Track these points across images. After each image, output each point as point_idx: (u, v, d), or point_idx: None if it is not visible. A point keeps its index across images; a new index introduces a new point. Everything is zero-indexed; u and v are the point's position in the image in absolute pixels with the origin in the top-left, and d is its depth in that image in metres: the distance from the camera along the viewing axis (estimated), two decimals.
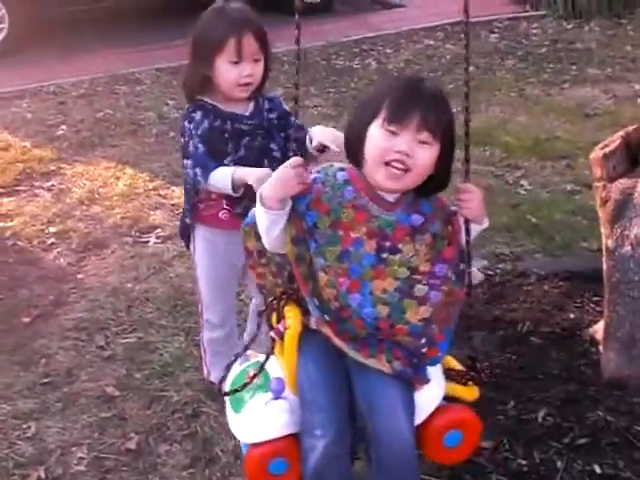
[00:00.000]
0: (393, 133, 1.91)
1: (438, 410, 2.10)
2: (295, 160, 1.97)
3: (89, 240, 4.34)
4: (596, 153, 2.87)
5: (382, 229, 1.99)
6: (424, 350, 2.05)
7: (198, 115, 2.63)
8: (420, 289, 2.01)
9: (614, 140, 2.85)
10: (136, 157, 5.35)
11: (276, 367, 2.13)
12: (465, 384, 2.15)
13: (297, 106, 2.18)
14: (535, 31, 8.40)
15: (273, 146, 2.71)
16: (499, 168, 5.12)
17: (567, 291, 3.54)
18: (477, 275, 3.72)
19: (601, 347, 3.00)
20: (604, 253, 2.92)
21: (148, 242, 4.29)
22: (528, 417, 2.77)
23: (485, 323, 3.35)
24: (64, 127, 6.04)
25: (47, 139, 5.81)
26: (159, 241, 4.24)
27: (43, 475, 2.75)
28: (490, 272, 3.78)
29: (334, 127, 5.78)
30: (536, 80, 6.87)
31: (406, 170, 1.93)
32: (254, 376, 2.09)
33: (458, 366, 2.21)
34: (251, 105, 2.70)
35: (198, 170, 2.59)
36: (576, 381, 2.93)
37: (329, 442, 1.96)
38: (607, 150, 2.83)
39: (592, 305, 3.39)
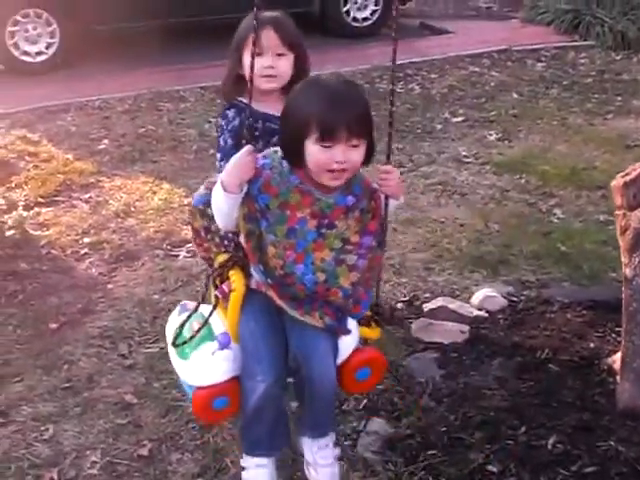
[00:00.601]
0: (328, 147, 2.20)
1: (353, 352, 2.47)
2: (248, 148, 2.28)
3: (121, 252, 4.42)
4: (617, 181, 2.87)
5: (323, 210, 2.31)
6: (351, 308, 2.41)
7: (231, 112, 2.75)
8: (351, 258, 2.35)
9: (635, 168, 2.84)
10: (174, 172, 5.44)
11: (218, 322, 2.45)
12: (369, 326, 2.51)
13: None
14: (582, 61, 8.37)
15: None
16: (533, 196, 5.10)
17: (590, 320, 3.53)
18: (499, 301, 3.72)
19: (618, 377, 2.98)
20: (623, 282, 2.90)
21: (178, 256, 4.36)
22: (538, 443, 2.76)
23: (504, 349, 3.36)
24: (106, 141, 6.17)
25: (89, 152, 5.93)
26: (189, 255, 4.30)
27: (56, 477, 2.82)
28: (514, 298, 3.78)
29: None
30: (579, 110, 6.83)
31: (345, 170, 2.25)
32: (199, 329, 2.41)
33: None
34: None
35: (224, 163, 2.67)
36: (590, 410, 2.92)
37: (268, 385, 2.32)
38: (628, 178, 2.83)
39: (613, 335, 3.36)
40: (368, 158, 2.31)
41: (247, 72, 2.64)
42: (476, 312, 3.65)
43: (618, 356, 3.04)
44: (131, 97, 7.19)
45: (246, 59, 2.66)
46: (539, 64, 8.30)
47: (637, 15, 9.03)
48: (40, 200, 5.08)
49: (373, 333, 2.53)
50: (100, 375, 3.37)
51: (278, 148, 2.35)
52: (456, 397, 3.06)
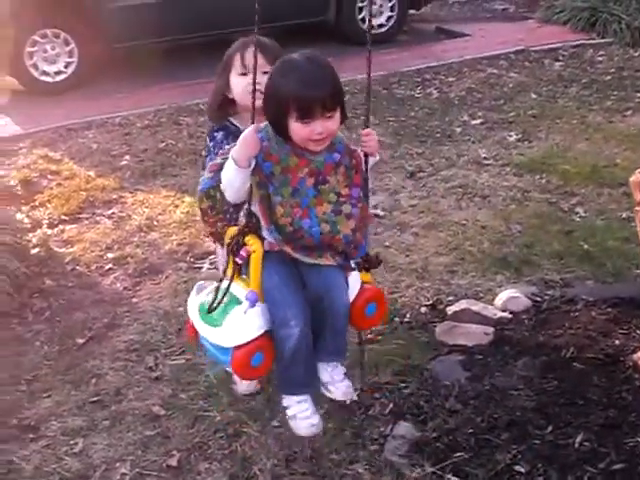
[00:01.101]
0: (307, 122, 2.46)
1: (359, 291, 2.72)
2: (255, 126, 2.51)
3: (145, 265, 4.47)
4: (636, 177, 2.87)
5: (318, 167, 2.59)
6: (351, 251, 2.68)
7: (220, 135, 2.86)
8: (346, 207, 2.63)
9: None
10: (195, 186, 5.39)
11: (239, 289, 2.60)
12: (361, 271, 2.75)
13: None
14: (601, 59, 8.31)
15: None
16: (554, 195, 5.08)
17: (614, 317, 3.51)
18: (523, 301, 3.71)
19: None
20: None
21: (202, 268, 4.39)
22: (565, 442, 2.76)
23: (529, 348, 3.36)
24: (127, 157, 6.22)
25: (111, 169, 5.99)
26: (212, 267, 4.33)
27: None
28: (538, 298, 3.77)
29: (391, 156, 5.85)
30: (599, 107, 6.79)
31: (325, 137, 2.52)
32: (224, 295, 2.57)
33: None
34: None
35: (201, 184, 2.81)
36: (616, 407, 2.91)
37: (302, 328, 2.55)
38: None
39: (639, 331, 3.35)
40: (342, 121, 2.58)
41: (235, 91, 2.89)
42: (500, 313, 3.64)
43: None
44: (151, 112, 7.24)
45: (233, 79, 2.88)
46: (557, 63, 8.27)
47: None
48: (64, 217, 5.14)
49: (366, 277, 2.79)
50: (127, 388, 3.41)
51: (268, 124, 2.59)
52: (482, 399, 3.06)
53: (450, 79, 7.95)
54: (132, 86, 8.19)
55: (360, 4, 9.47)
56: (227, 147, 2.72)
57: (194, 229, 4.82)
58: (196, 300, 2.75)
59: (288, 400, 2.69)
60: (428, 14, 11.16)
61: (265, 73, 2.77)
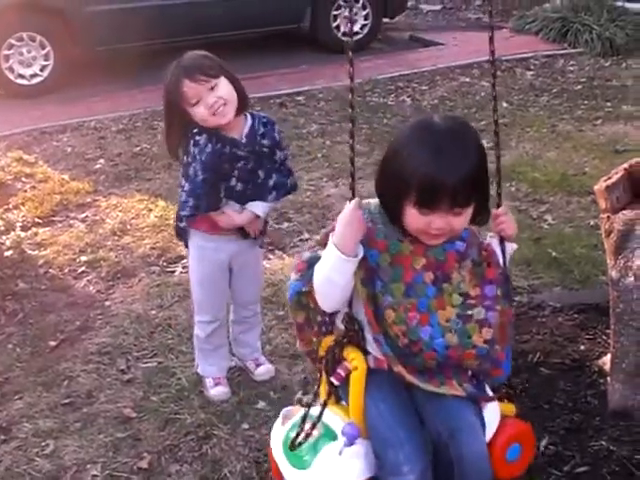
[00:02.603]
0: (427, 213, 1.97)
1: (498, 426, 2.19)
2: (356, 201, 2.00)
3: (118, 269, 4.47)
4: (599, 185, 2.93)
5: (437, 258, 2.06)
6: (489, 371, 2.14)
7: (202, 139, 2.84)
8: (478, 312, 2.07)
9: (617, 172, 2.90)
10: (169, 190, 5.48)
11: (334, 418, 2.11)
12: (502, 401, 2.26)
13: (352, 168, 2.10)
14: (572, 68, 8.44)
15: (260, 173, 2.94)
16: (524, 203, 5.16)
17: (580, 323, 3.57)
18: None
19: (608, 378, 3.03)
20: (610, 284, 2.96)
21: (174, 272, 4.41)
22: None
23: None
24: (102, 161, 6.23)
25: (85, 172, 5.98)
26: (185, 271, 4.33)
27: None
28: None
29: (364, 163, 5.89)
30: (569, 116, 6.90)
31: (445, 235, 2.04)
32: (313, 427, 2.08)
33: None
34: (247, 127, 2.92)
35: (191, 201, 2.89)
36: (581, 411, 2.96)
37: (418, 476, 1.99)
38: (610, 182, 2.89)
39: (604, 337, 3.40)
40: (478, 218, 2.09)
41: (199, 119, 2.79)
42: None
43: (608, 357, 3.09)
44: (126, 117, 7.25)
45: (189, 110, 2.79)
46: (528, 73, 8.38)
47: (625, 21, 9.13)
48: (37, 220, 5.14)
49: (508, 409, 2.27)
50: (99, 390, 3.42)
51: (371, 200, 2.12)
52: None
53: (423, 87, 8.04)
54: (107, 90, 8.19)
55: (335, 12, 9.55)
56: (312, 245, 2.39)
57: (167, 233, 4.83)
58: (281, 431, 2.22)
59: None
60: (402, 23, 11.27)
61: (213, 88, 2.78)
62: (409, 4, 11.15)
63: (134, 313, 4.00)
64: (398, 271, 2.03)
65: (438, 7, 12.53)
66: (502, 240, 2.18)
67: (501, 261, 2.17)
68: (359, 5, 9.73)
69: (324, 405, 2.10)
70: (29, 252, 4.71)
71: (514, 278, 4.10)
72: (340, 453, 2.02)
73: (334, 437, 2.05)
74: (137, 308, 4.05)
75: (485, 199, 2.05)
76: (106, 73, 8.50)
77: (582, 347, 3.38)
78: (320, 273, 2.03)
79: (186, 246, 3.21)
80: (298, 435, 2.08)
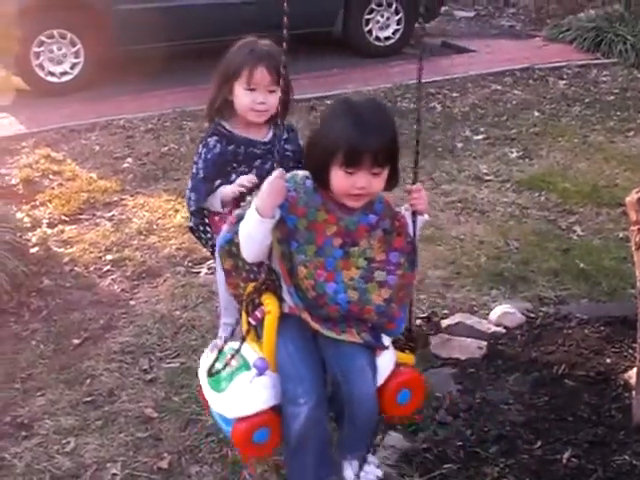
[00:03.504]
0: (351, 173, 2.26)
1: (391, 373, 2.46)
2: (279, 172, 2.28)
3: (143, 269, 4.49)
4: (631, 197, 2.89)
5: (348, 228, 2.35)
6: (385, 324, 2.43)
7: (212, 141, 2.90)
8: (380, 274, 2.38)
9: None
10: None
11: (250, 352, 2.39)
12: (403, 351, 2.53)
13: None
14: (604, 79, 8.35)
15: None
16: (553, 213, 5.11)
17: (607, 336, 3.54)
18: (517, 317, 3.73)
19: (634, 392, 2.98)
20: (638, 297, 2.92)
21: (199, 273, 4.41)
22: (553, 458, 2.78)
23: (521, 364, 3.38)
24: (130, 160, 6.25)
25: (112, 171, 6.01)
26: (210, 272, 4.34)
27: None
28: (532, 315, 3.79)
29: None
30: (601, 127, 6.83)
31: (366, 195, 2.32)
32: (232, 358, 2.38)
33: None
34: (270, 132, 2.96)
35: (192, 195, 2.94)
36: (605, 425, 2.93)
37: (311, 408, 2.29)
38: None
39: (630, 350, 3.36)
40: (390, 184, 2.36)
41: (239, 103, 2.85)
42: (494, 328, 3.67)
43: (634, 371, 3.04)
44: (155, 116, 7.27)
45: (238, 90, 2.85)
46: (561, 82, 8.30)
47: None
48: (64, 218, 5.17)
49: (407, 358, 2.53)
50: (121, 389, 3.43)
51: (298, 171, 2.41)
52: (472, 412, 3.08)
53: (454, 94, 7.98)
54: (137, 89, 8.21)
55: (367, 16, 9.54)
56: (249, 199, 2.53)
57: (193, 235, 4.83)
58: (208, 359, 2.51)
59: None
60: (435, 28, 11.20)
61: (271, 92, 2.84)
62: (442, 10, 11.08)
63: (158, 313, 4.01)
64: (312, 235, 2.32)
65: (471, 14, 12.47)
66: (414, 213, 2.44)
67: (411, 231, 2.45)
68: (392, 10, 9.72)
69: (242, 340, 2.39)
70: (55, 249, 4.73)
71: (541, 289, 4.09)
72: (251, 382, 2.31)
73: (248, 368, 2.33)
74: (161, 308, 4.05)
75: (396, 166, 2.35)
76: (136, 72, 8.54)
77: (608, 360, 3.34)
78: (243, 229, 2.32)
79: (203, 245, 3.24)
80: (214, 363, 2.40)
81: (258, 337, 2.41)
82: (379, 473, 2.59)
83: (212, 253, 3.21)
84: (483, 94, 7.95)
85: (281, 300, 2.39)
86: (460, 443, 2.90)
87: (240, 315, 2.46)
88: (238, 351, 2.37)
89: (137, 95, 8.07)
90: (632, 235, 2.92)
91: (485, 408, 3.09)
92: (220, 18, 8.57)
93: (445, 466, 2.79)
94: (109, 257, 4.63)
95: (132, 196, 5.53)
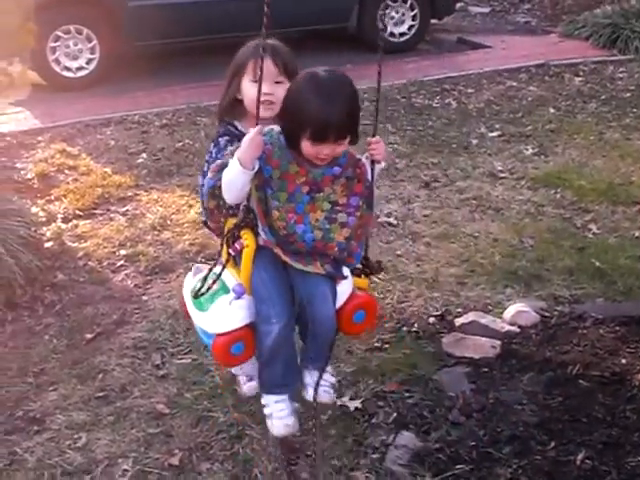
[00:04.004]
0: (317, 145, 2.52)
1: (349, 297, 2.79)
2: (259, 128, 2.56)
3: (157, 264, 4.48)
4: None
5: (315, 178, 2.63)
6: (345, 259, 2.74)
7: (223, 141, 2.87)
8: (341, 216, 2.68)
9: None
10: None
11: (230, 277, 2.70)
12: (360, 276, 2.85)
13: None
14: (621, 75, 8.29)
15: None
16: (568, 211, 5.08)
17: (622, 336, 3.51)
18: (532, 316, 3.71)
19: None
20: None
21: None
22: (566, 459, 2.76)
23: (535, 364, 3.35)
24: (144, 155, 6.25)
25: (127, 166, 6.01)
26: None
27: None
28: (547, 314, 3.76)
29: (407, 165, 5.87)
30: (617, 124, 6.78)
31: (331, 158, 2.59)
32: (214, 282, 2.68)
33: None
34: None
35: (205, 195, 2.87)
36: (620, 426, 2.91)
37: (282, 327, 2.63)
38: None
39: None
40: (351, 143, 2.62)
41: (246, 97, 2.88)
42: (508, 327, 3.64)
43: None
44: (169, 112, 7.27)
45: (245, 84, 2.87)
46: (577, 79, 8.25)
47: None
48: (78, 213, 5.17)
49: (363, 283, 2.87)
50: (133, 385, 3.42)
51: (274, 126, 2.65)
52: (486, 412, 3.06)
53: (469, 90, 7.95)
54: (152, 85, 8.23)
55: (382, 12, 9.50)
56: (231, 148, 2.74)
57: (207, 230, 4.82)
58: (191, 282, 2.86)
59: (266, 399, 2.81)
60: (450, 24, 11.18)
61: (277, 83, 2.83)
62: (458, 6, 11.04)
63: (171, 309, 4.00)
64: (284, 183, 2.60)
65: (487, 10, 12.42)
66: (373, 162, 2.72)
67: (369, 177, 2.72)
68: (407, 6, 9.69)
69: (223, 267, 2.68)
70: (69, 244, 4.74)
71: (556, 288, 4.07)
72: (230, 303, 2.64)
73: (228, 291, 2.66)
74: (174, 304, 4.04)
75: (357, 130, 2.59)
76: (151, 68, 8.55)
77: (623, 360, 3.32)
78: (226, 176, 2.58)
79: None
80: (200, 288, 2.69)
81: (236, 265, 2.71)
82: (333, 380, 2.92)
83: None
84: (498, 90, 7.91)
85: (257, 235, 2.67)
86: (473, 443, 2.88)
87: (221, 247, 2.73)
88: (219, 277, 2.68)
89: (152, 90, 8.09)
90: None
91: (498, 408, 3.07)
92: (234, 14, 8.56)
93: (458, 466, 2.77)
94: (123, 252, 4.63)
95: (146, 191, 5.52)
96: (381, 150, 2.73)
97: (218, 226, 2.87)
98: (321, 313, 2.69)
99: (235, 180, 2.57)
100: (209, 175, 2.76)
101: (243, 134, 2.88)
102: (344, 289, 2.77)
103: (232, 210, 2.77)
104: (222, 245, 2.72)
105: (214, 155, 2.89)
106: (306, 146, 2.55)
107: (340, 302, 2.76)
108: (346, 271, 2.79)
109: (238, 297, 2.64)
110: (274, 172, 2.60)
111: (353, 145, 2.65)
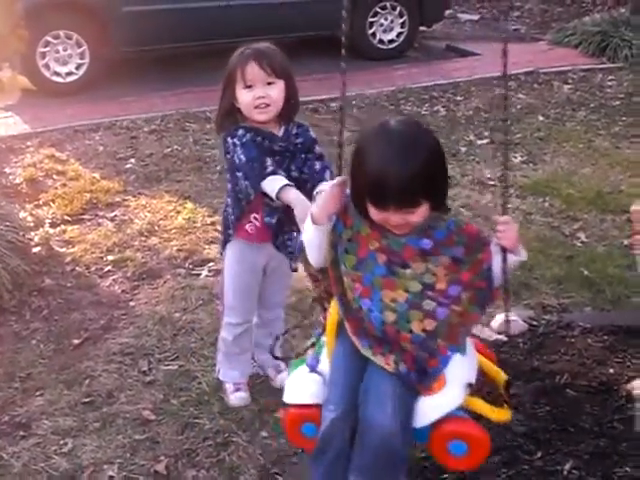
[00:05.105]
0: (381, 211, 2.13)
1: (450, 419, 2.24)
2: (340, 179, 2.24)
3: (144, 270, 4.47)
4: (636, 206, 2.87)
5: (391, 247, 2.21)
6: (425, 359, 2.23)
7: (240, 131, 2.89)
8: (428, 304, 2.20)
9: None
10: (198, 193, 5.48)
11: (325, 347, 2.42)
12: (497, 404, 2.32)
13: (341, 150, 2.38)
14: (610, 83, 8.32)
15: (292, 167, 2.94)
16: (557, 219, 5.08)
17: (610, 345, 3.51)
18: (520, 325, 3.71)
19: (637, 403, 2.96)
20: None
21: (200, 275, 4.39)
22: (553, 469, 2.75)
23: (522, 373, 3.34)
24: (133, 160, 6.23)
25: (115, 171, 5.99)
26: (210, 274, 4.34)
27: None
28: (535, 322, 3.76)
29: None
30: (606, 132, 6.79)
31: (404, 227, 2.18)
32: (307, 349, 2.47)
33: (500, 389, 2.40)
34: (282, 130, 2.95)
35: (247, 182, 2.85)
36: (607, 436, 2.90)
37: (335, 418, 2.22)
38: None
39: (634, 361, 3.35)
40: (438, 208, 2.20)
41: (241, 103, 2.86)
42: (495, 336, 3.64)
43: (637, 382, 3.02)
44: (158, 117, 7.26)
45: (239, 92, 2.86)
46: (566, 86, 8.27)
47: None
48: (66, 218, 5.15)
49: (500, 414, 2.32)
50: (120, 391, 3.41)
51: None
52: None
53: (458, 98, 7.97)
54: (141, 90, 8.21)
55: (371, 19, 9.52)
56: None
57: (194, 235, 4.83)
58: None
59: None
60: (439, 32, 11.20)
61: (269, 84, 2.85)
62: (447, 13, 11.07)
63: (158, 315, 3.99)
64: (355, 246, 2.23)
65: (476, 17, 12.46)
66: (504, 249, 2.21)
67: (495, 269, 2.22)
68: (396, 13, 9.71)
69: (320, 334, 2.44)
70: (57, 249, 4.72)
71: (544, 296, 4.07)
72: (304, 374, 2.39)
73: None
74: (161, 310, 4.03)
75: (439, 198, 2.19)
76: (140, 74, 8.55)
77: (611, 370, 3.31)
78: (304, 234, 2.34)
79: (225, 228, 3.17)
80: (306, 349, 2.47)
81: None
82: None
83: (222, 248, 3.18)
84: (487, 98, 7.92)
85: None
86: None
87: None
88: (315, 343, 2.44)
89: (141, 96, 8.07)
90: (636, 244, 2.91)
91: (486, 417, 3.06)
92: (224, 21, 8.58)
93: (444, 476, 2.76)
94: (110, 258, 4.61)
95: (134, 197, 5.51)
96: (511, 235, 2.20)
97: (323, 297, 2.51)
98: (372, 418, 2.18)
99: (312, 238, 2.28)
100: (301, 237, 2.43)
101: (256, 127, 2.89)
102: (437, 404, 2.23)
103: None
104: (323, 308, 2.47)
105: (237, 142, 2.85)
106: (371, 210, 2.15)
107: (428, 420, 2.24)
108: (455, 382, 2.24)
109: (311, 370, 2.38)
110: (345, 232, 2.24)
111: (440, 211, 2.22)
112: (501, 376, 2.45)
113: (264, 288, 3.21)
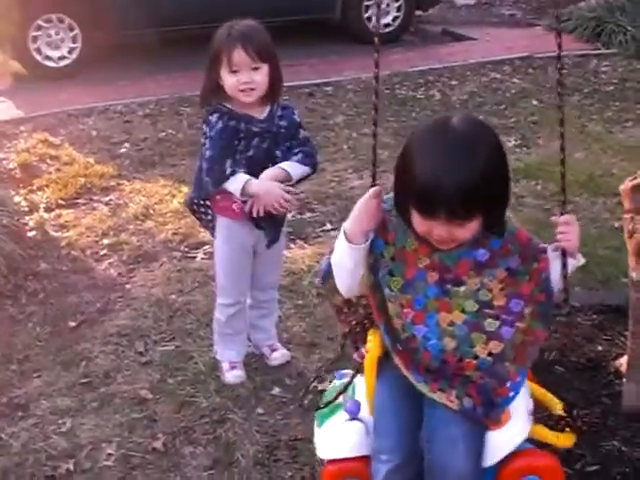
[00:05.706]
0: (428, 220, 1.88)
1: (519, 453, 2.06)
2: (375, 190, 1.96)
3: (140, 253, 4.51)
4: (625, 185, 2.90)
5: (443, 261, 1.95)
6: (494, 388, 2.00)
7: (214, 118, 2.94)
8: (491, 323, 1.97)
9: None
10: (192, 176, 5.50)
11: (362, 388, 2.15)
12: (559, 429, 2.15)
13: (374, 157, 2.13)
14: (604, 69, 8.33)
15: (278, 153, 3.00)
16: (549, 202, 5.12)
17: (599, 324, 3.55)
18: None
19: (624, 379, 3.01)
20: (630, 285, 2.93)
21: (195, 257, 4.43)
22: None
23: None
24: (127, 145, 6.26)
25: (110, 156, 6.03)
26: (206, 257, 4.37)
27: (72, 468, 2.91)
28: None
29: (390, 156, 5.90)
30: (599, 117, 6.82)
31: (450, 242, 1.93)
32: (338, 395, 2.15)
33: (556, 411, 2.19)
34: (266, 110, 2.99)
35: (209, 180, 2.94)
36: (596, 411, 2.94)
37: (392, 468, 1.96)
38: (636, 182, 2.86)
39: (622, 338, 3.37)
40: (491, 226, 1.94)
41: (226, 86, 2.87)
42: None
43: (625, 359, 3.07)
44: (152, 102, 7.28)
45: (223, 74, 2.88)
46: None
47: None
48: (61, 202, 5.18)
49: (564, 440, 2.13)
50: (117, 371, 3.45)
51: None
52: None
53: (453, 82, 7.98)
54: (135, 74, 8.22)
55: (367, 2, 9.52)
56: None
57: (189, 219, 4.80)
58: (331, 386, 2.34)
59: None
60: (435, 16, 11.20)
61: (254, 69, 2.88)
62: None
63: (154, 297, 4.03)
64: (400, 266, 1.96)
65: (472, 2, 12.45)
66: (564, 254, 2.02)
67: (553, 278, 2.04)
68: None
69: (352, 376, 2.14)
70: (52, 233, 4.76)
71: None
72: (343, 424, 2.10)
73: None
74: (157, 292, 4.07)
75: (497, 210, 1.93)
76: (133, 57, 8.53)
77: (599, 348, 3.36)
78: (334, 255, 2.02)
79: (204, 227, 3.30)
80: (325, 395, 2.22)
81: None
82: None
83: (212, 234, 3.24)
84: (482, 82, 7.95)
85: None
86: None
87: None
88: (346, 388, 2.14)
89: (135, 80, 8.09)
90: (625, 223, 2.94)
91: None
92: (219, 4, 8.56)
93: None
94: (106, 241, 4.65)
95: (129, 181, 5.54)
96: (573, 236, 2.02)
97: (349, 328, 2.23)
98: (444, 465, 1.93)
99: (344, 260, 1.95)
100: (322, 265, 2.17)
101: (232, 110, 2.93)
102: (507, 438, 2.01)
103: (363, 307, 2.14)
104: (341, 348, 2.23)
105: (208, 133, 2.94)
106: (416, 220, 1.87)
107: (498, 457, 2.01)
108: (519, 412, 2.05)
109: (352, 418, 2.10)
110: (387, 249, 1.96)
111: (498, 236, 2.00)
112: (550, 397, 2.28)
113: (255, 268, 3.25)
